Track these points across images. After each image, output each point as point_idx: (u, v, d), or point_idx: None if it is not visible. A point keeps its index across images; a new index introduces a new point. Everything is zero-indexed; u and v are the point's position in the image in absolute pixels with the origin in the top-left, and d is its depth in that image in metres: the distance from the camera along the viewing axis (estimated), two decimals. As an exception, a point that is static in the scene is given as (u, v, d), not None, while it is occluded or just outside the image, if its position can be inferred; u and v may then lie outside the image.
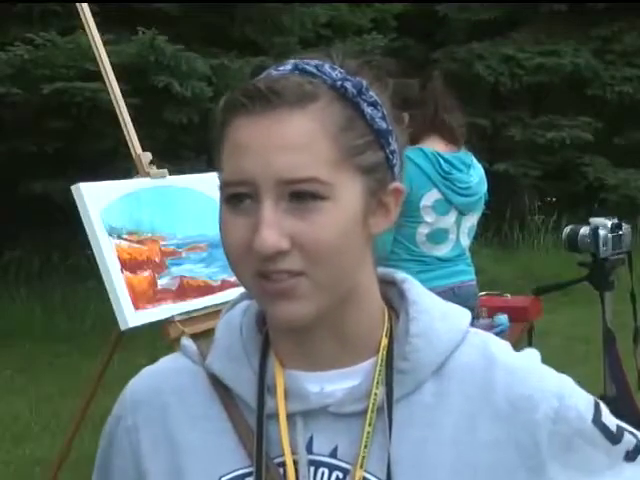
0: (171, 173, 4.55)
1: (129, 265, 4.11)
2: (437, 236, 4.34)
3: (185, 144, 10.02)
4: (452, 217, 4.36)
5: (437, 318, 1.22)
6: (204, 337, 1.30)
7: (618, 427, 1.24)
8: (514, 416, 1.18)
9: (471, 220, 4.46)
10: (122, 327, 4.02)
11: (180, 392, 1.26)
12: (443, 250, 4.38)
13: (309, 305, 1.14)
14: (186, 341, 1.30)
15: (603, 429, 1.22)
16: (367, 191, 1.15)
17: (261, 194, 1.11)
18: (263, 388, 1.21)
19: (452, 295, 4.14)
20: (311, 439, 1.19)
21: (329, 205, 1.12)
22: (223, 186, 1.15)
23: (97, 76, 5.51)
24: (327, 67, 1.16)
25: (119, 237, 4.13)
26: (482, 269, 11.10)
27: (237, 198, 1.13)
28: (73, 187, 4.11)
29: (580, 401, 1.22)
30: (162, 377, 1.29)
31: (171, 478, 1.23)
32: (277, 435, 1.19)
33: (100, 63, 4.50)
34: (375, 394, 1.18)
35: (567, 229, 4.49)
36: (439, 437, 1.18)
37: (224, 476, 1.21)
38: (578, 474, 1.21)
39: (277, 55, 10.81)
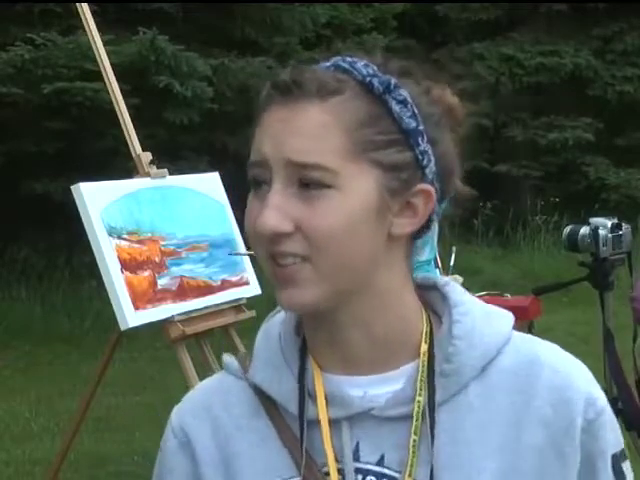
0: (171, 173, 4.55)
1: (129, 265, 4.11)
2: (425, 238, 4.35)
3: (185, 144, 10.01)
4: None
5: (480, 320, 1.22)
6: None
7: None
8: (556, 421, 1.19)
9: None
10: (122, 327, 4.02)
11: (226, 406, 1.27)
12: (426, 253, 4.40)
13: (311, 292, 1.15)
14: (227, 358, 1.31)
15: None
16: (385, 188, 1.17)
17: (273, 176, 1.15)
18: (304, 393, 1.21)
19: None
20: (357, 446, 1.20)
21: (334, 193, 1.14)
22: (247, 168, 1.19)
23: (97, 76, 5.52)
24: (361, 64, 1.19)
25: (119, 237, 4.13)
26: (482, 269, 11.13)
27: (258, 184, 1.17)
28: (73, 187, 4.11)
29: (602, 395, 1.23)
30: (207, 395, 1.29)
31: None
32: (322, 442, 1.20)
33: (100, 63, 4.50)
34: (419, 401, 1.18)
35: (567, 229, 4.47)
36: (485, 440, 1.18)
37: None
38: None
39: (277, 55, 10.82)
